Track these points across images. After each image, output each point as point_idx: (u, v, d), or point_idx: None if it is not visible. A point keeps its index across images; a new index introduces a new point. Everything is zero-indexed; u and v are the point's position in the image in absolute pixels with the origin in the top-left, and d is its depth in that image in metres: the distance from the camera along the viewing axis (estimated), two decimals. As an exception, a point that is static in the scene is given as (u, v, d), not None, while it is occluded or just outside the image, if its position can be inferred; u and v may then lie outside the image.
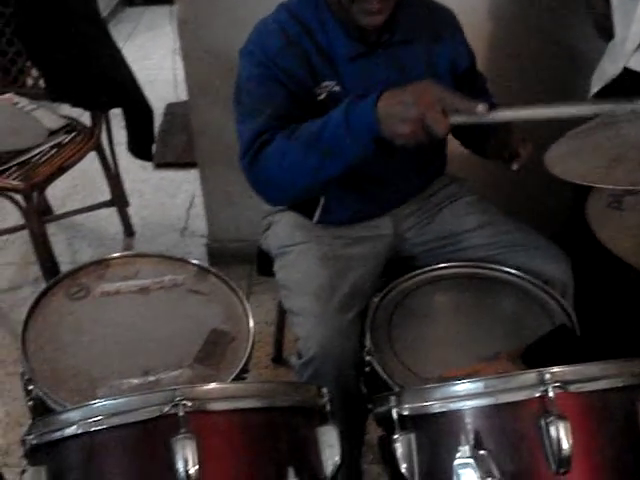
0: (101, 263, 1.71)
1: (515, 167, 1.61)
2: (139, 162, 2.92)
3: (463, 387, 1.05)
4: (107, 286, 1.64)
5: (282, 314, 2.17)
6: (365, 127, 1.31)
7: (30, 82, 2.74)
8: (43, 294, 1.62)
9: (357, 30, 1.54)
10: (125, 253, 1.79)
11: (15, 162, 2.38)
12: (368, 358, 1.46)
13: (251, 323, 1.54)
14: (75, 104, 2.63)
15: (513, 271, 1.65)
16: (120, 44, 2.70)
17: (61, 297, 1.62)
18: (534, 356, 1.42)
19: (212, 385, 1.09)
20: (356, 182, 1.68)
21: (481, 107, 1.21)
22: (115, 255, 1.74)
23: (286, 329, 2.24)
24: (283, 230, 1.78)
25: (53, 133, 2.53)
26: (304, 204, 1.74)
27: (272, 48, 1.54)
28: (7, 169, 2.36)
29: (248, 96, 1.54)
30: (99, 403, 1.05)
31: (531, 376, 1.03)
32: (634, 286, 1.78)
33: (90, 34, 2.50)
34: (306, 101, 1.53)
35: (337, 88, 1.56)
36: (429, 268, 1.69)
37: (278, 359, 2.34)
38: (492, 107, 1.21)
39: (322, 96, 1.55)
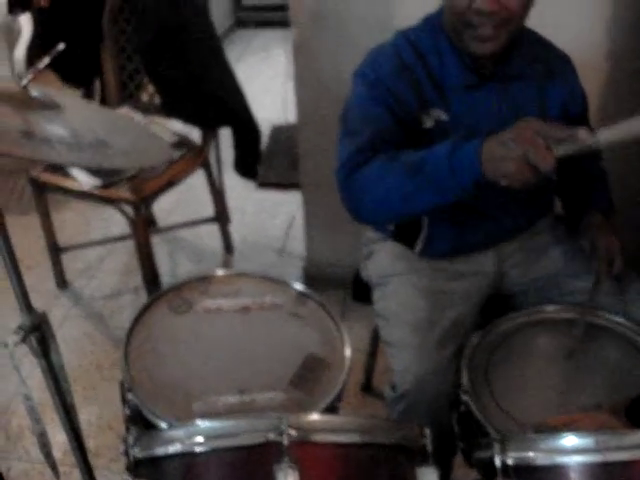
0: (204, 279, 1.74)
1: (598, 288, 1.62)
2: (242, 181, 2.97)
3: (571, 441, 1.02)
4: (209, 302, 1.67)
5: (375, 342, 2.16)
6: (467, 169, 1.29)
7: (145, 98, 2.83)
8: (147, 306, 1.65)
9: (471, 60, 1.53)
10: (228, 271, 1.82)
11: (127, 174, 2.46)
12: (464, 397, 1.43)
13: (347, 352, 1.53)
14: (187, 121, 2.71)
15: (619, 319, 1.59)
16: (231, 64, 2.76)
17: (164, 310, 1.65)
18: (638, 411, 1.36)
19: (318, 416, 1.09)
20: (459, 214, 1.66)
21: (583, 132, 1.18)
22: (218, 272, 1.78)
23: (378, 358, 2.23)
24: (384, 260, 1.77)
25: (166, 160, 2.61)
26: (406, 234, 1.73)
27: (384, 71, 1.54)
28: (119, 180, 2.44)
29: (353, 115, 1.55)
30: (205, 424, 1.06)
31: (644, 435, 0.98)
32: None
33: (206, 54, 2.58)
34: (411, 127, 1.53)
35: (445, 117, 1.55)
36: (532, 309, 1.65)
37: (367, 388, 2.32)
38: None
39: (428, 124, 1.55)
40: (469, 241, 1.72)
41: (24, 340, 1.23)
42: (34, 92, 1.29)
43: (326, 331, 1.61)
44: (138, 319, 1.62)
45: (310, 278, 2.77)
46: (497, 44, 1.48)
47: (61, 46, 1.28)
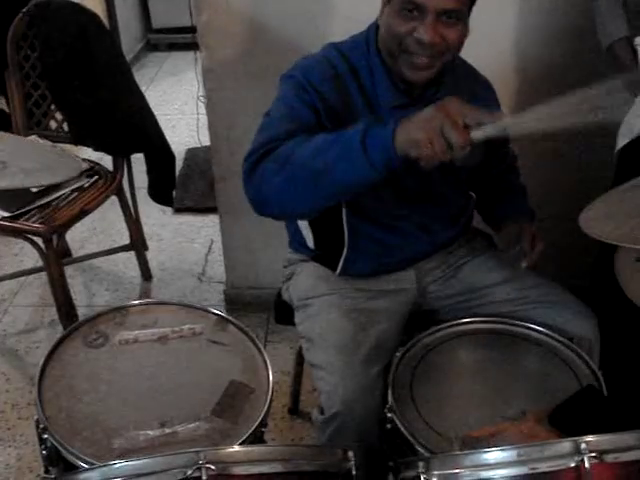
0: (120, 310, 1.69)
1: (523, 266, 1.64)
2: (158, 206, 2.93)
3: (495, 455, 1.02)
4: (126, 334, 1.62)
5: (300, 364, 2.14)
6: (379, 142, 1.26)
7: (53, 125, 2.76)
8: (60, 341, 1.60)
9: (403, 81, 1.53)
10: (144, 301, 1.78)
11: (36, 205, 2.38)
12: (390, 415, 1.43)
13: (271, 376, 1.51)
14: (98, 148, 2.65)
15: (538, 328, 1.62)
16: (142, 88, 2.72)
17: (79, 344, 1.60)
18: (561, 418, 1.38)
19: (236, 448, 1.07)
20: (380, 235, 1.67)
21: (502, 114, 1.19)
22: (134, 302, 1.73)
23: (303, 380, 2.21)
24: (305, 281, 1.76)
25: (74, 177, 2.54)
26: (327, 255, 1.72)
27: (315, 74, 1.52)
28: (28, 211, 2.36)
29: (276, 111, 1.51)
30: (120, 464, 1.02)
31: (566, 445, 1.00)
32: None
33: (115, 80, 2.53)
34: None
35: None
36: (453, 322, 1.66)
37: (295, 410, 2.30)
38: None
39: None
40: (390, 261, 1.72)
41: None
42: None
43: (248, 356, 1.58)
44: (51, 355, 1.56)
45: (231, 302, 2.74)
46: (430, 73, 1.49)
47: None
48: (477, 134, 1.21)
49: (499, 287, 1.71)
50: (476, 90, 1.67)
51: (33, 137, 2.67)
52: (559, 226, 2.29)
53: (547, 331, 1.61)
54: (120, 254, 2.98)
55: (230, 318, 1.66)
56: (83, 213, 2.46)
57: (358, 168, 1.29)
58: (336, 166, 1.31)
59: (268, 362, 1.55)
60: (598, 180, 1.99)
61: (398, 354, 1.55)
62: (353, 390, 1.46)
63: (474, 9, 1.50)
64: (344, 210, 1.64)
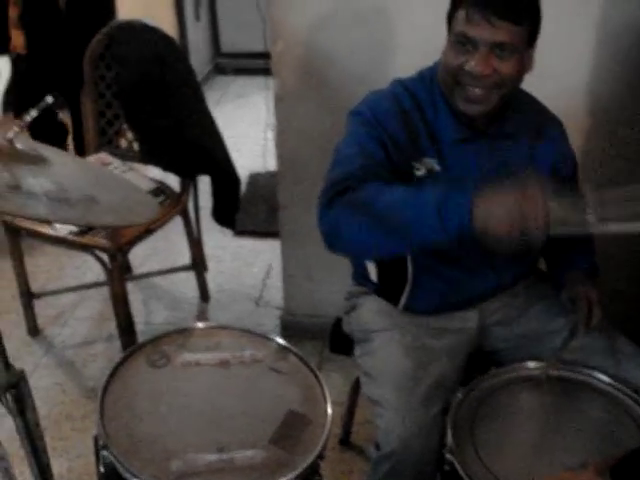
0: (183, 332, 1.71)
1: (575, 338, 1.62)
2: (218, 227, 2.95)
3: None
4: (188, 356, 1.63)
5: (355, 395, 2.13)
6: (456, 216, 1.27)
7: (124, 144, 2.82)
8: (124, 359, 1.62)
9: (464, 116, 1.54)
10: (207, 324, 1.80)
11: (104, 221, 2.43)
12: (449, 457, 1.42)
13: (329, 409, 1.51)
14: (166, 169, 2.70)
15: (603, 377, 1.59)
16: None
17: (142, 363, 1.62)
18: (624, 471, 1.35)
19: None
20: (444, 271, 1.66)
21: (591, 217, 1.17)
22: (198, 325, 1.76)
23: (356, 411, 2.20)
24: (367, 314, 1.76)
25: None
26: (390, 290, 1.72)
27: (382, 112, 1.54)
28: (94, 227, 2.41)
29: (347, 147, 1.53)
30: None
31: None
32: None
33: (187, 103, 2.58)
34: (403, 172, 1.53)
35: (437, 167, 1.55)
36: (515, 366, 1.64)
37: (345, 441, 2.28)
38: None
39: (420, 172, 1.55)
40: (453, 298, 1.71)
41: (-1, 399, 1.20)
42: (20, 145, 1.27)
43: (307, 386, 1.58)
44: (114, 373, 1.58)
45: (287, 328, 2.75)
46: (487, 106, 1.49)
47: (49, 99, 1.26)
48: (557, 230, 1.20)
49: (564, 334, 1.69)
50: (543, 128, 1.66)
51: (103, 154, 2.73)
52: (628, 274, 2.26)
53: (612, 381, 1.58)
54: (180, 273, 3.01)
55: (291, 347, 1.67)
56: (148, 232, 2.51)
57: (432, 233, 1.32)
58: (411, 227, 1.34)
59: (327, 394, 1.55)
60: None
61: (459, 395, 1.54)
62: (411, 430, 1.45)
63: (545, 45, 1.48)
64: None
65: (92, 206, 1.15)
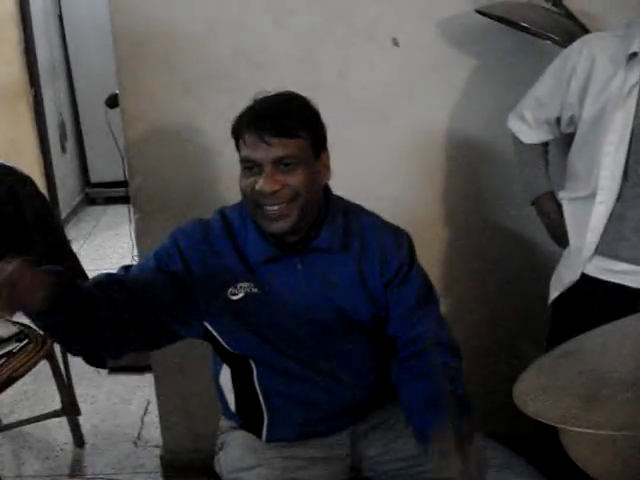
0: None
1: None
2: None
3: None
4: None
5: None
6: None
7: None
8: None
9: (273, 236, 1.55)
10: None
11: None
12: None
13: None
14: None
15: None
16: (79, 242, 2.69)
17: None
18: None
19: None
20: (298, 392, 1.62)
21: None
22: (60, 482, 1.63)
23: None
24: (234, 453, 1.69)
25: (3, 341, 2.46)
26: (251, 421, 1.67)
27: (184, 243, 1.58)
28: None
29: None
30: None
31: None
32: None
33: (47, 242, 2.50)
34: (215, 298, 1.56)
35: (255, 289, 1.57)
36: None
37: None
38: None
39: (238, 296, 1.56)
40: (317, 423, 1.66)
41: None
42: None
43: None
44: None
45: (169, 467, 2.62)
46: (290, 221, 1.51)
47: None
48: None
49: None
50: (366, 235, 1.63)
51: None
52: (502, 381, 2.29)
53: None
54: (52, 419, 2.84)
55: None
56: (11, 380, 2.36)
57: None
58: None
59: None
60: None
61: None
62: None
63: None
64: (256, 371, 1.62)
65: None
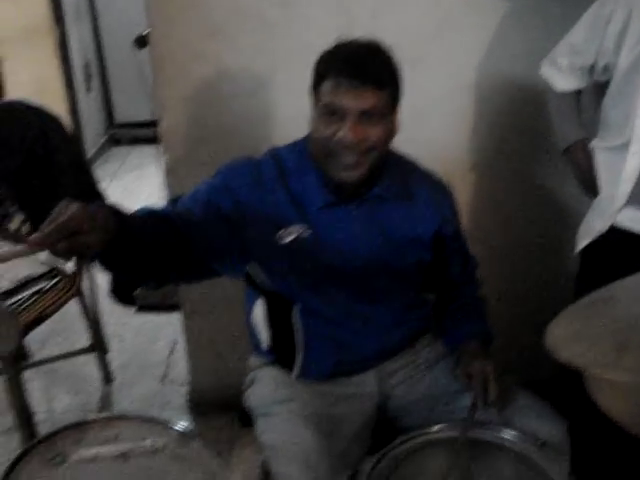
0: (79, 426, 1.62)
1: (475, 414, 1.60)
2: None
3: None
4: (84, 452, 1.55)
5: (266, 475, 2.07)
6: None
7: (13, 227, 2.72)
8: (18, 459, 1.52)
9: (335, 182, 1.55)
10: (104, 415, 1.72)
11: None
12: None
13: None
14: (58, 251, 2.61)
15: (508, 435, 1.58)
16: (105, 182, 2.71)
17: (37, 463, 1.52)
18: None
19: None
20: (334, 334, 1.65)
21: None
22: (93, 417, 1.66)
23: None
24: (265, 388, 1.72)
25: (34, 280, 2.50)
26: (284, 358, 1.70)
27: (236, 182, 1.55)
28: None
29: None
30: None
31: None
32: (634, 450, 1.72)
33: (76, 182, 2.52)
34: (263, 240, 1.55)
35: (306, 234, 1.56)
36: (422, 431, 1.61)
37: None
38: None
39: (287, 240, 1.55)
40: (347, 362, 1.69)
41: None
42: None
43: (211, 473, 1.52)
44: (8, 476, 1.49)
45: (195, 404, 2.67)
46: (361, 171, 1.51)
47: None
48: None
49: (465, 393, 1.67)
50: (420, 191, 1.69)
51: (-10, 239, 2.62)
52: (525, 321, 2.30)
53: (517, 437, 1.57)
54: (81, 356, 2.90)
55: (192, 433, 1.61)
56: (42, 318, 2.41)
57: None
58: None
59: (234, 478, 1.50)
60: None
61: (366, 467, 1.51)
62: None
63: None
64: (295, 309, 1.63)
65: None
